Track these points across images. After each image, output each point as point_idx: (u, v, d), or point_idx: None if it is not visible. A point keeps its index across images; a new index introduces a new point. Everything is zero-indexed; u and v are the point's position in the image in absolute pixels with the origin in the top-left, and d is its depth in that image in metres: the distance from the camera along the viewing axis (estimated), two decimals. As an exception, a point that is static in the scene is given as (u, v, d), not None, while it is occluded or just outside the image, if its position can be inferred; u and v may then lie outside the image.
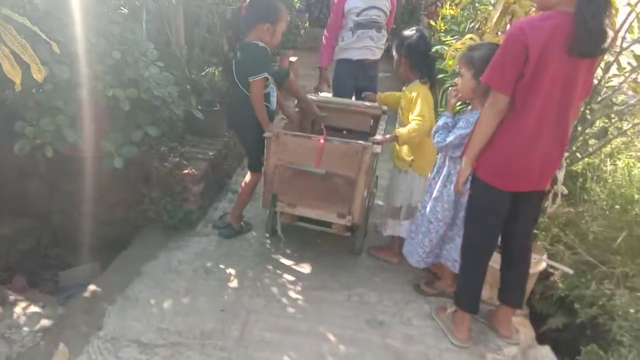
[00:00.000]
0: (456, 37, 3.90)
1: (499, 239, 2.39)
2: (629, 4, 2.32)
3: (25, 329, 2.23)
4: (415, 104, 2.65)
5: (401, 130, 2.66)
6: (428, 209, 2.54)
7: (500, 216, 2.26)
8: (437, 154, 2.56)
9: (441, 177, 2.47)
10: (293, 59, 6.84)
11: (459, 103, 2.51)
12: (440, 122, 2.45)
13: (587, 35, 1.87)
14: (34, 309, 2.38)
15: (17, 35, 1.77)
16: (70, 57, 2.33)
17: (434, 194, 2.51)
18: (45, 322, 2.28)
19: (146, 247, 2.97)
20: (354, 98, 3.87)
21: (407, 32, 2.79)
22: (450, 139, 2.35)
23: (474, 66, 2.29)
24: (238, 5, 4.78)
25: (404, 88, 2.87)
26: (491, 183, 2.19)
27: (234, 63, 2.84)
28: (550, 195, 2.64)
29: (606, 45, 1.94)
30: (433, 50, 4.24)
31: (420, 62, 2.75)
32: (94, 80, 2.40)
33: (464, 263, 2.40)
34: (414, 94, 2.68)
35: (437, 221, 2.51)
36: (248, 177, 3.12)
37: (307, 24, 7.50)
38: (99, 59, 2.41)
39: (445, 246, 2.62)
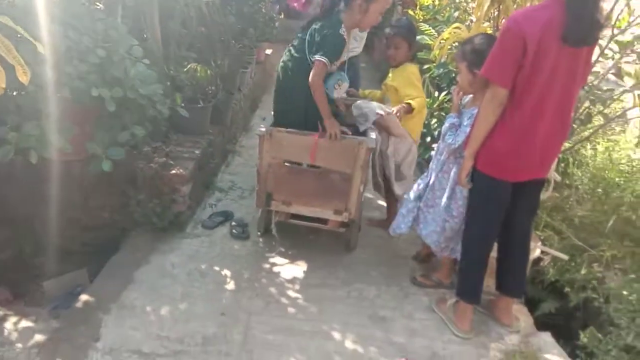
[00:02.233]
0: (438, 26, 3.90)
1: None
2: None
3: (19, 345, 2.11)
4: (412, 83, 2.96)
5: (411, 101, 2.86)
6: (442, 206, 2.50)
7: (501, 207, 2.27)
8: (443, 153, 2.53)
9: (451, 175, 2.44)
10: (269, 51, 6.73)
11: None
12: (447, 124, 2.44)
13: (579, 24, 1.88)
14: (25, 323, 2.25)
15: (1, 36, 1.65)
16: (52, 56, 2.20)
17: (447, 192, 2.48)
18: (39, 337, 2.15)
19: (137, 251, 2.87)
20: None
21: (405, 21, 3.15)
22: (461, 139, 2.33)
23: (466, 59, 2.29)
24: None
25: (392, 69, 3.11)
26: (491, 174, 2.19)
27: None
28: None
29: (600, 33, 1.97)
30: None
31: (414, 46, 3.10)
32: (78, 80, 2.28)
33: (466, 254, 2.41)
34: (407, 73, 3.00)
35: (452, 218, 2.48)
36: None
37: (282, 15, 7.34)
38: (82, 58, 2.28)
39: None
